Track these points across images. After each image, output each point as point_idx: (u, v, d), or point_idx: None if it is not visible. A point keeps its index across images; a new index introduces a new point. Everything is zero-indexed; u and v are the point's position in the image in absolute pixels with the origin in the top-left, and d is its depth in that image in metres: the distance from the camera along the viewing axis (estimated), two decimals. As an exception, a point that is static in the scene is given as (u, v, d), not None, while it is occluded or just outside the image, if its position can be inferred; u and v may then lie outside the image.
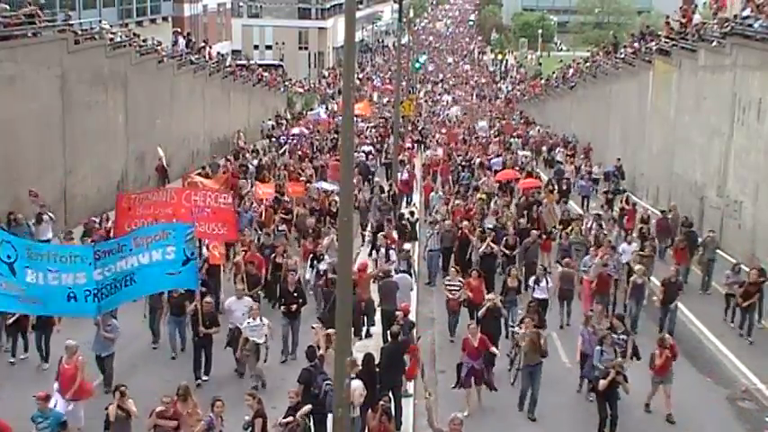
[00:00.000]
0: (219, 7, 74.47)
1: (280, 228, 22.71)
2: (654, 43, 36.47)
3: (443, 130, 51.52)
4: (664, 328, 18.16)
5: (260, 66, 62.82)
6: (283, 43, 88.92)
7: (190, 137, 38.21)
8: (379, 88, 77.98)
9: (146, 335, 17.58)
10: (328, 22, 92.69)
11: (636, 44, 40.38)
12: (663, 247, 23.90)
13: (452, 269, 19.61)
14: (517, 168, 34.01)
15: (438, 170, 34.50)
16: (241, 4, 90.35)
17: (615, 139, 40.04)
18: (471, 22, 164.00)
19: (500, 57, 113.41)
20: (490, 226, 23.33)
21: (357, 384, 12.79)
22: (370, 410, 12.51)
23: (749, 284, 18.70)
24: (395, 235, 22.42)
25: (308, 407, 12.56)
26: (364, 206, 26.42)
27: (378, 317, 18.09)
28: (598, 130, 43.37)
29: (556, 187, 31.03)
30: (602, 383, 13.92)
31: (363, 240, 25.51)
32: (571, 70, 56.57)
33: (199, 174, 27.51)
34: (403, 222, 24.94)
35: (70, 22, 28.95)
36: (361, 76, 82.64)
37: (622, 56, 41.98)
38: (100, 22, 32.41)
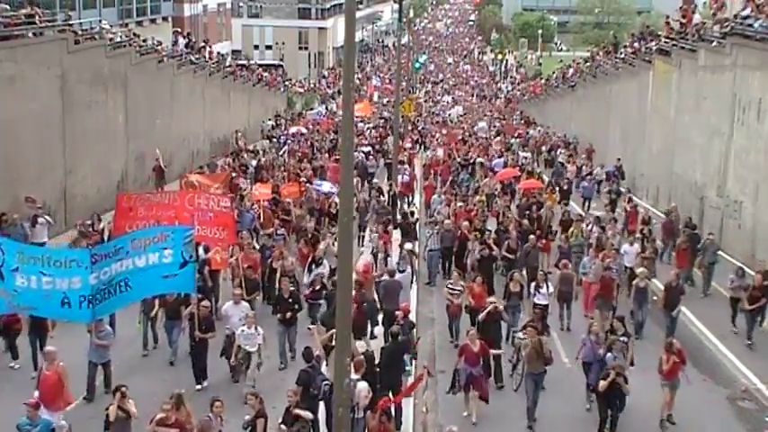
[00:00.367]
0: (219, 7, 74.49)
1: (278, 231, 22.36)
2: (654, 43, 36.47)
3: (444, 131, 51.43)
4: (670, 333, 17.79)
5: (260, 66, 62.80)
6: (283, 43, 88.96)
7: (190, 137, 38.20)
8: (379, 88, 77.99)
9: (139, 342, 17.31)
10: (328, 22, 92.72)
11: (636, 44, 40.38)
12: (667, 250, 23.72)
13: (455, 273, 19.43)
14: (518, 169, 33.86)
15: (438, 171, 34.40)
16: (241, 4, 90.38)
17: (615, 139, 40.03)
18: (471, 22, 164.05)
19: (500, 57, 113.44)
20: (491, 228, 23.23)
21: (363, 386, 12.81)
22: (369, 410, 12.52)
23: (754, 289, 18.42)
24: (395, 234, 22.29)
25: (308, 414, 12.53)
26: (363, 207, 26.22)
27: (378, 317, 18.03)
28: (598, 131, 43.35)
29: (556, 188, 30.93)
30: (603, 384, 13.91)
31: (361, 242, 25.48)
32: (571, 70, 56.54)
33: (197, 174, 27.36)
34: (408, 221, 24.93)
35: (70, 22, 28.95)
36: (360, 76, 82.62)
37: (622, 56, 41.97)
38: (100, 22, 32.39)
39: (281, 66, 75.09)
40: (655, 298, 18.87)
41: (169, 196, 17.53)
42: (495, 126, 55.84)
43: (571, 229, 22.99)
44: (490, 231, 22.95)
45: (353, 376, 12.89)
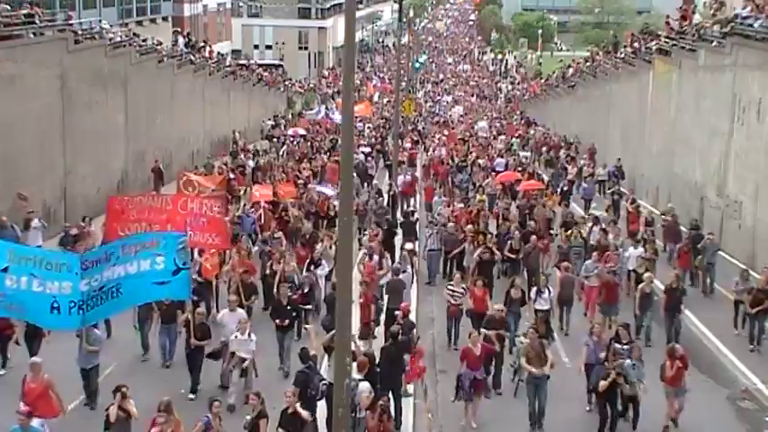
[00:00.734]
0: (219, 7, 74.49)
1: (276, 235, 21.98)
2: (654, 43, 36.47)
3: (446, 132, 51.34)
4: (672, 337, 17.74)
5: (260, 65, 62.79)
6: (283, 43, 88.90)
7: (190, 137, 38.22)
8: (378, 88, 77.96)
9: (136, 346, 17.12)
10: (328, 22, 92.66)
11: (636, 44, 40.38)
12: (671, 251, 23.44)
13: (457, 275, 19.19)
14: (519, 170, 33.67)
15: (437, 172, 34.31)
16: (241, 3, 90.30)
17: (615, 139, 40.03)
18: (471, 22, 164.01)
19: (500, 57, 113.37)
20: (492, 230, 23.12)
21: (365, 386, 12.80)
22: (368, 410, 12.52)
23: (758, 291, 18.15)
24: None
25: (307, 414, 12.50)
26: (362, 209, 25.69)
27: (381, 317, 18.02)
28: (598, 130, 43.34)
29: (557, 189, 30.66)
30: (603, 384, 13.90)
31: (360, 244, 25.36)
32: (571, 70, 56.51)
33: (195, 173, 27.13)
34: (410, 220, 24.88)
35: (70, 22, 29.01)
36: (360, 76, 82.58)
37: (622, 56, 41.97)
38: (100, 21, 32.44)
39: (281, 66, 75.03)
40: (656, 298, 18.79)
41: (162, 200, 17.11)
42: (495, 126, 55.78)
43: (570, 230, 22.83)
44: (492, 234, 22.86)
45: (356, 376, 12.91)
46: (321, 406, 13.37)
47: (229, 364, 15.15)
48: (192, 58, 40.21)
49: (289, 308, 16.73)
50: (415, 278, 20.16)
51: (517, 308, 17.66)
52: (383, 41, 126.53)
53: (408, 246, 21.82)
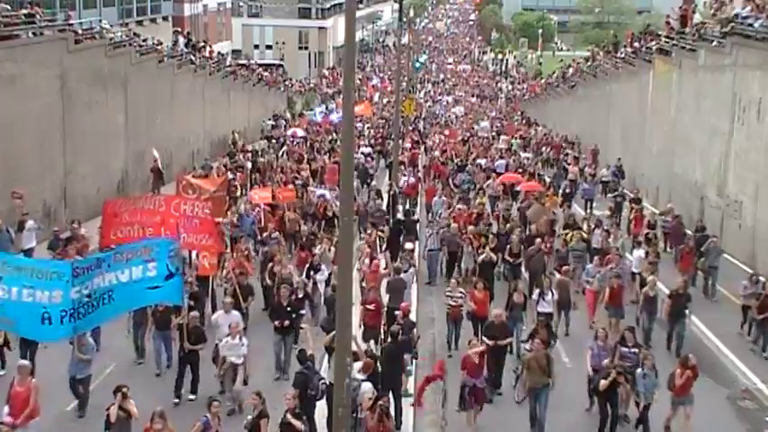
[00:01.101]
0: (219, 7, 74.48)
1: (273, 235, 21.88)
2: (654, 43, 36.47)
3: (446, 132, 51.27)
4: (672, 341, 17.71)
5: (260, 65, 62.77)
6: (283, 43, 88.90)
7: (190, 137, 38.20)
8: (379, 88, 77.94)
9: (130, 351, 16.97)
10: (328, 22, 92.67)
11: (636, 44, 40.38)
12: (677, 253, 23.19)
13: (453, 280, 18.90)
14: (521, 171, 33.47)
15: (438, 172, 34.22)
16: (241, 3, 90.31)
17: (615, 138, 40.05)
18: (471, 22, 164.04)
19: (500, 56, 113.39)
20: (493, 232, 23.07)
21: (367, 387, 12.79)
22: (368, 410, 12.51)
23: (766, 297, 17.98)
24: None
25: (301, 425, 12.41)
26: (363, 211, 25.43)
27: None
28: (598, 130, 43.36)
29: (558, 190, 30.47)
30: (603, 384, 13.90)
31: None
32: (571, 70, 56.52)
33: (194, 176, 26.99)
34: (411, 219, 24.82)
35: (70, 22, 28.98)
36: (361, 75, 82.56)
37: (622, 55, 41.97)
38: (100, 21, 32.43)
39: (282, 65, 75.02)
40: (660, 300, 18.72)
41: (155, 202, 17.05)
42: (496, 126, 55.73)
43: (569, 233, 22.56)
44: (494, 234, 22.75)
45: (359, 377, 12.90)
46: (321, 406, 13.37)
47: (220, 368, 15.04)
48: (193, 57, 40.17)
49: (288, 309, 16.62)
50: (415, 278, 20.14)
51: (519, 312, 17.47)
52: (383, 41, 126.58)
53: (408, 246, 21.78)
